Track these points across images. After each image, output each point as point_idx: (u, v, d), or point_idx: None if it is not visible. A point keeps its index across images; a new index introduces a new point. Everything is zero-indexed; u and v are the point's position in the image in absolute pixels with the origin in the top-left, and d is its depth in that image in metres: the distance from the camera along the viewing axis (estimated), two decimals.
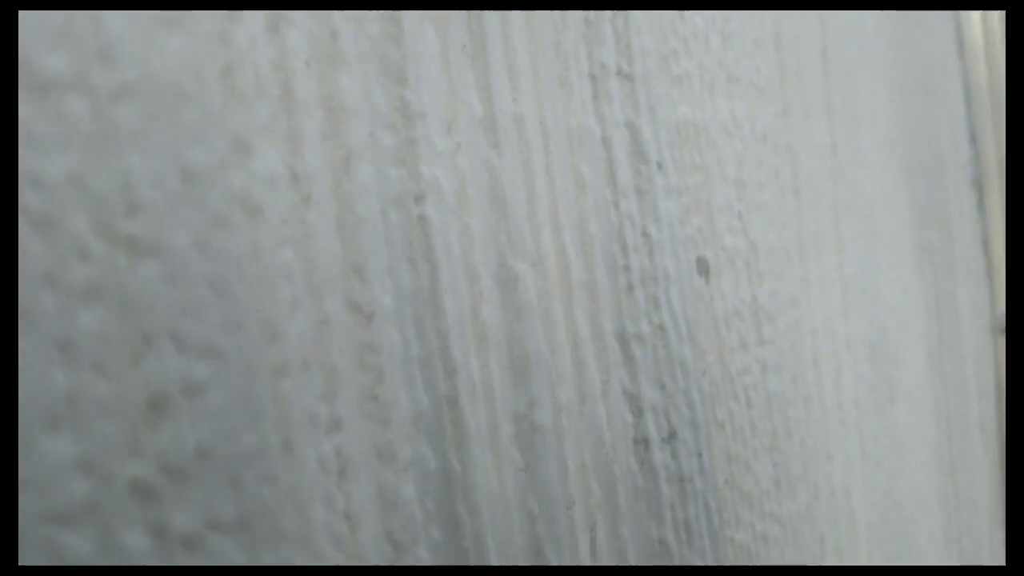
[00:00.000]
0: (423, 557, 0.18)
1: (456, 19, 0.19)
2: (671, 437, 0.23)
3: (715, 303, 0.24)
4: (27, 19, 0.12)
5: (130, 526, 0.13)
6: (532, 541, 0.20)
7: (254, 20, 0.15)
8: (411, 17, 0.18)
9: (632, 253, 0.23)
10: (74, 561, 0.12)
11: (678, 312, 0.23)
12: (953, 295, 0.54)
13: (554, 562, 0.20)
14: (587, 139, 0.22)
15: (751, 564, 0.25)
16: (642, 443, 0.23)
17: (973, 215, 0.58)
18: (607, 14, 0.22)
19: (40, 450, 0.12)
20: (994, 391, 0.57)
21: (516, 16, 0.20)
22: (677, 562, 0.23)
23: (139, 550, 0.13)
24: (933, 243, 0.51)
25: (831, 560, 0.31)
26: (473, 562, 0.19)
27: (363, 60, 0.17)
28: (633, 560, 0.22)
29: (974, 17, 0.59)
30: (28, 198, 0.12)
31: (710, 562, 0.24)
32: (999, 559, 0.54)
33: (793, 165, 0.31)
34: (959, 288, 0.55)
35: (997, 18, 0.60)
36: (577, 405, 0.21)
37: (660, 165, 0.23)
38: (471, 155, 0.19)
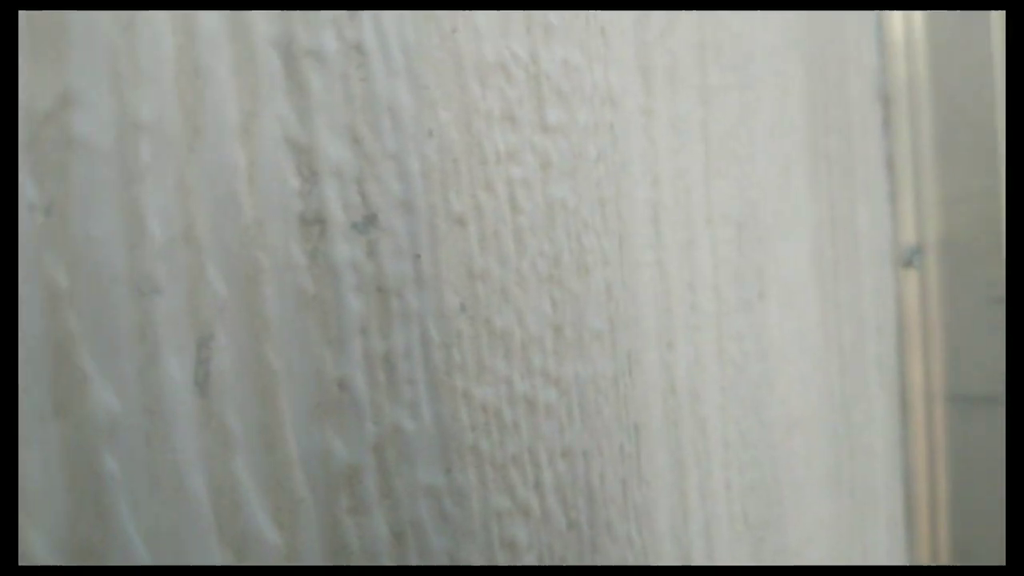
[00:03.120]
0: None
1: None
2: (368, 223, 0.15)
3: (459, 40, 0.16)
4: None
5: None
6: (51, 333, 0.11)
7: None
8: None
9: None
10: None
11: (391, 35, 0.15)
12: (851, 215, 0.47)
13: (95, 374, 0.12)
14: None
15: (500, 435, 0.17)
16: (315, 224, 0.14)
17: (878, 131, 0.52)
18: None
19: None
20: (894, 328, 0.51)
21: None
22: (368, 415, 0.15)
23: None
24: (831, 151, 0.44)
25: (647, 469, 0.23)
26: None
27: None
28: (287, 408, 0.14)
29: None
30: None
31: (426, 422, 0.15)
32: (897, 516, 0.48)
33: None
34: (859, 208, 0.48)
35: None
36: (182, 134, 0.13)
37: None
38: None
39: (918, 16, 0.53)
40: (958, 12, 0.51)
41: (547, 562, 0.18)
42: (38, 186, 0.11)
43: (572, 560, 0.18)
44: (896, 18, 0.53)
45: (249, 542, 0.13)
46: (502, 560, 0.16)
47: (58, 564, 0.11)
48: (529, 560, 0.17)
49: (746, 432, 0.31)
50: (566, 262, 0.18)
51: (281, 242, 0.14)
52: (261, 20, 0.14)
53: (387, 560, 0.15)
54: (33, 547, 0.11)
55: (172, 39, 0.13)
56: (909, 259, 0.51)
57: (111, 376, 0.12)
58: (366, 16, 0.15)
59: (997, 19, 0.49)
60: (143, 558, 0.12)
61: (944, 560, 0.50)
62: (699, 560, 0.28)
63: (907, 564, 0.50)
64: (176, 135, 0.13)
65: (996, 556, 0.48)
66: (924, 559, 0.50)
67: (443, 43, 0.16)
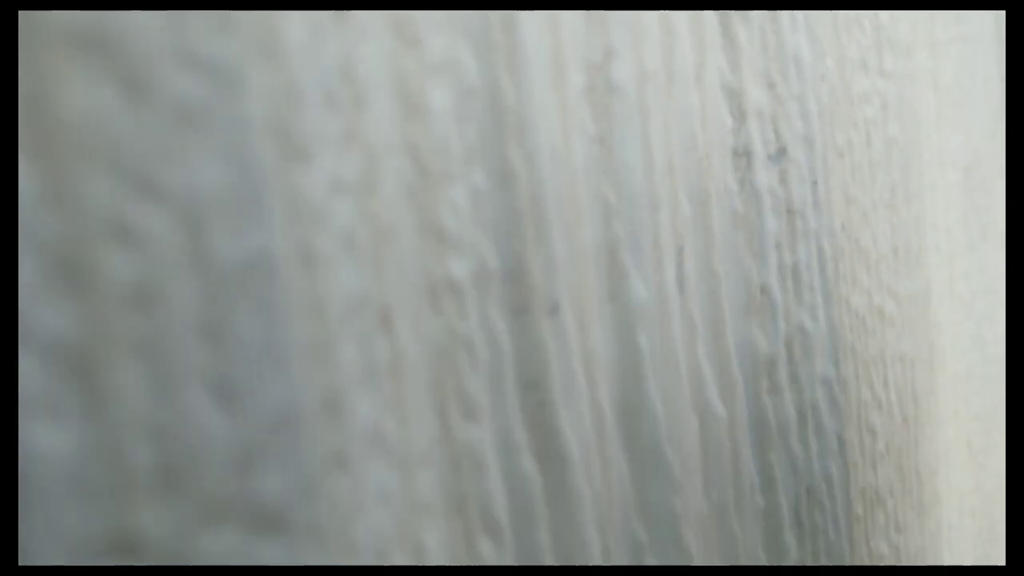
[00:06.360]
0: (459, 202, 0.12)
1: None
2: (780, 154, 0.18)
3: None
4: None
5: None
6: (606, 238, 0.15)
7: None
8: None
9: None
10: None
11: None
12: None
13: (632, 270, 0.15)
14: None
15: (865, 337, 0.19)
16: (743, 156, 0.17)
17: None
18: None
19: None
20: None
21: None
22: (781, 315, 0.18)
23: None
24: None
25: (939, 380, 0.25)
26: (531, 239, 0.13)
27: None
28: (727, 307, 0.17)
29: None
30: None
31: (821, 323, 0.18)
32: None
33: None
34: None
35: None
36: (665, 81, 0.16)
37: None
38: None
39: None
40: None
41: (891, 450, 0.20)
42: (595, 123, 0.15)
43: (906, 452, 0.21)
44: None
45: (706, 414, 0.17)
46: (867, 443, 0.19)
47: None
48: (879, 448, 0.20)
49: (970, 367, 0.33)
50: (899, 192, 0.21)
51: (721, 172, 0.17)
52: None
53: (794, 437, 0.18)
54: (601, 403, 0.14)
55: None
56: None
57: (640, 272, 0.15)
58: None
59: None
60: (659, 417, 0.15)
61: None
62: (942, 486, 0.30)
63: None
64: (663, 83, 0.16)
65: None
66: None
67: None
